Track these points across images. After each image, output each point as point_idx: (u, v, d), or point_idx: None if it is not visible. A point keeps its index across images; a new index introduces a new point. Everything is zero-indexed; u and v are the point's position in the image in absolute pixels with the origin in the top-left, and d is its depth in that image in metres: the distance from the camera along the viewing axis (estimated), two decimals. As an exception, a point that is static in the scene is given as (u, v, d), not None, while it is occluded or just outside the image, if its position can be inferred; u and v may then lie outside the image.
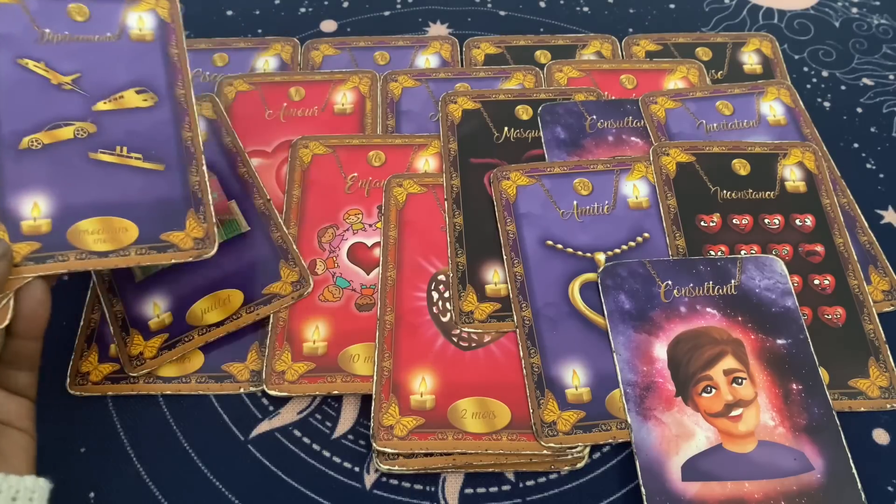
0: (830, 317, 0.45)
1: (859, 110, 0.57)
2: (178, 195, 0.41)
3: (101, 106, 0.42)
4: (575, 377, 0.42)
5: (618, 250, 0.46)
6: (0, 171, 0.40)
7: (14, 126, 0.41)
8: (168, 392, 0.43)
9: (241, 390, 0.43)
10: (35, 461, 0.36)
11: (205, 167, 0.42)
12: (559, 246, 0.46)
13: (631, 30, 0.62)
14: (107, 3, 0.46)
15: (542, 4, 0.64)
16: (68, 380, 0.43)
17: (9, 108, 0.41)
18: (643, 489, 0.38)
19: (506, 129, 0.52)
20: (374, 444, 0.40)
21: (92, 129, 0.42)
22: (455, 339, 0.44)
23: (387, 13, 0.63)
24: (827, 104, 0.57)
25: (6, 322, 0.35)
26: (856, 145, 0.55)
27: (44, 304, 0.37)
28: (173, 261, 0.40)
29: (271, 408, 0.43)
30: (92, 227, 0.39)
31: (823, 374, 0.42)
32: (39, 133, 0.41)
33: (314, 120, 0.54)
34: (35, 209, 0.39)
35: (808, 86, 0.59)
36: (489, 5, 0.64)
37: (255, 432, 0.42)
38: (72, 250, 0.38)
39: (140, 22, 0.45)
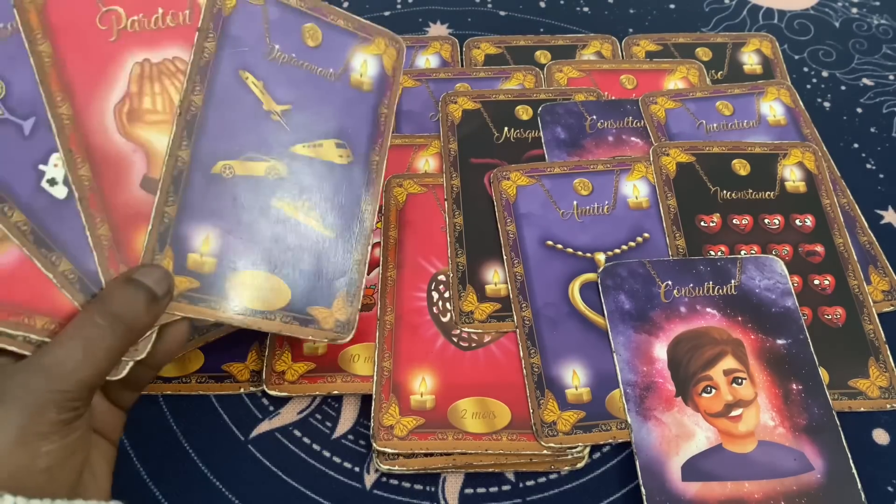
0: (830, 317, 0.45)
1: (859, 110, 0.57)
2: (338, 270, 0.39)
3: (299, 149, 0.39)
4: (575, 377, 0.42)
5: (618, 250, 0.46)
6: (186, 192, 0.36)
7: (214, 145, 0.37)
8: (168, 392, 0.43)
9: (241, 390, 0.43)
10: (113, 470, 0.36)
11: (370, 247, 0.40)
12: (559, 246, 0.46)
13: (631, 30, 0.62)
14: (341, 35, 0.42)
15: (542, 4, 0.64)
16: (68, 380, 0.43)
17: (215, 124, 0.37)
18: (643, 489, 0.38)
19: (506, 129, 0.52)
20: (374, 444, 0.40)
21: (283, 172, 0.38)
22: (455, 339, 0.44)
23: (387, 13, 0.63)
24: (827, 104, 0.57)
25: (143, 355, 0.34)
26: (856, 145, 0.55)
27: (182, 343, 0.35)
28: (311, 338, 0.38)
29: (271, 408, 0.43)
30: (252, 281, 0.37)
31: (823, 374, 0.42)
32: (234, 161, 0.37)
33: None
34: (205, 244, 0.36)
35: (808, 86, 0.59)
36: (489, 5, 0.64)
37: (255, 432, 0.42)
38: (226, 300, 0.36)
39: (363, 66, 0.42)
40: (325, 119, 0.40)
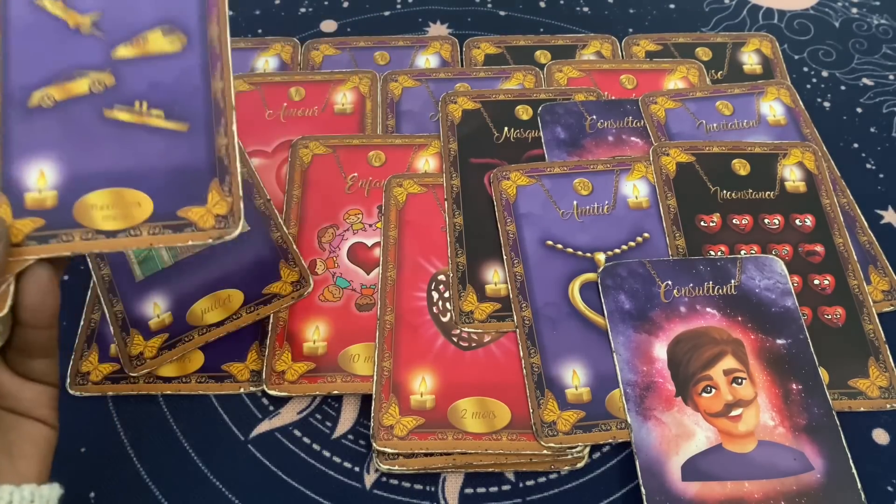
0: (830, 317, 0.45)
1: (859, 110, 0.57)
2: (202, 162, 0.35)
3: (122, 52, 0.36)
4: (575, 377, 0.42)
5: (618, 250, 0.46)
6: (7, 134, 0.35)
7: (24, 79, 0.35)
8: (168, 392, 0.43)
9: (241, 390, 0.43)
10: (51, 453, 0.34)
11: (235, 126, 0.35)
12: (559, 246, 0.46)
13: (631, 30, 0.62)
14: None
15: (542, 4, 0.64)
16: (68, 380, 0.43)
17: (19, 57, 0.35)
18: (643, 489, 0.38)
19: (506, 129, 0.52)
20: (374, 444, 0.40)
21: (110, 81, 0.36)
22: (455, 339, 0.44)
23: (387, 13, 0.63)
24: (827, 104, 0.57)
25: (5, 310, 0.32)
26: (856, 145, 0.55)
27: (50, 291, 0.33)
28: (190, 242, 0.34)
29: (271, 408, 0.43)
30: (101, 200, 0.34)
31: (823, 374, 0.42)
32: (51, 87, 0.35)
33: (314, 120, 0.54)
34: (41, 179, 0.34)
35: (808, 86, 0.59)
36: (489, 5, 0.64)
37: (255, 432, 0.42)
38: (78, 228, 0.34)
39: None
40: (143, 12, 0.37)
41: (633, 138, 0.52)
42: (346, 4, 0.63)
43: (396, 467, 0.40)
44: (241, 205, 0.35)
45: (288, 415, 0.43)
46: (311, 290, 0.45)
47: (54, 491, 0.33)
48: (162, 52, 0.37)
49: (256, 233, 0.46)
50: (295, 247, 0.46)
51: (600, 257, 0.46)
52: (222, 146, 0.35)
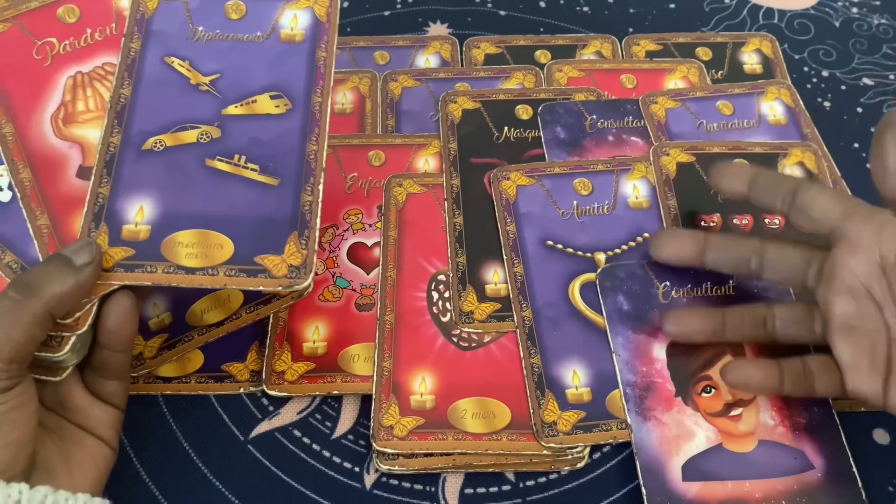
0: (830, 317, 0.45)
1: (859, 110, 0.57)
2: (285, 215, 0.38)
3: (232, 110, 0.40)
4: (575, 377, 0.42)
5: (618, 250, 0.46)
6: (119, 171, 0.38)
7: (144, 126, 0.39)
8: (168, 392, 0.43)
9: (241, 390, 0.43)
10: (107, 473, 0.36)
11: (321, 187, 0.38)
12: (559, 246, 0.46)
13: (631, 30, 0.62)
14: (266, 1, 0.43)
15: (542, 4, 0.64)
16: (68, 380, 0.43)
17: (144, 106, 0.40)
18: (643, 489, 0.38)
19: (506, 128, 0.52)
20: (374, 444, 0.40)
21: (216, 134, 0.39)
22: (455, 339, 0.44)
23: (387, 13, 0.63)
24: (827, 104, 0.57)
25: (84, 328, 0.34)
26: (856, 145, 0.55)
27: (129, 318, 0.35)
28: (262, 288, 0.37)
29: (271, 408, 0.43)
30: (188, 239, 0.37)
31: (823, 374, 0.42)
32: (164, 135, 0.39)
33: (314, 120, 0.54)
34: (139, 214, 0.37)
35: (808, 86, 0.59)
36: (489, 5, 0.64)
37: (255, 432, 0.42)
38: (162, 262, 0.36)
39: (293, 21, 0.42)
40: (256, 78, 0.41)
41: (633, 138, 0.52)
42: (345, 4, 0.63)
43: (396, 467, 0.40)
44: (315, 259, 0.37)
45: (288, 415, 0.43)
46: (310, 290, 0.45)
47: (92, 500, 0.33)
48: (267, 114, 0.40)
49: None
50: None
51: (600, 257, 0.46)
52: (307, 202, 0.38)
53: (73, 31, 0.41)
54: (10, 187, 0.37)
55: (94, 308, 0.35)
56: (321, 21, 0.43)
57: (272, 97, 0.40)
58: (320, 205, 0.38)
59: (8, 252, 0.36)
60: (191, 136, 0.39)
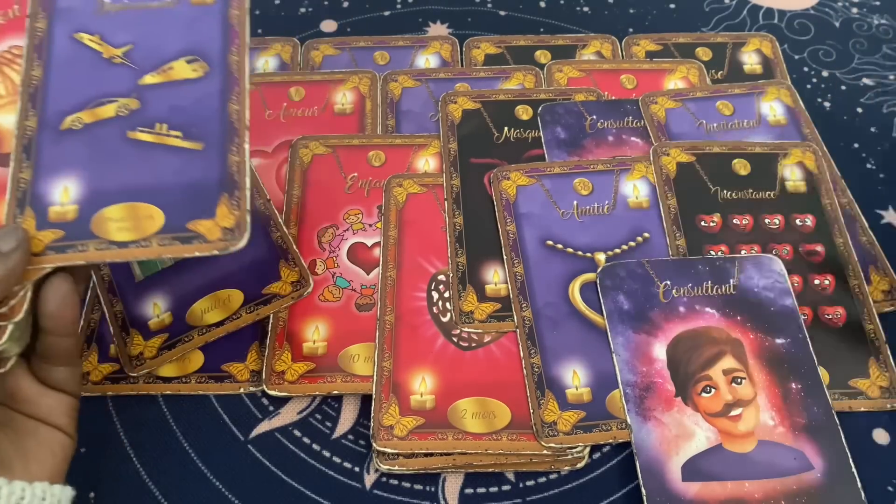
0: (830, 317, 0.45)
1: (859, 110, 0.57)
2: (213, 178, 0.37)
3: (148, 79, 0.39)
4: (575, 377, 0.42)
5: (618, 250, 0.46)
6: (39, 154, 0.37)
7: (59, 105, 0.38)
8: (168, 392, 0.43)
9: (241, 390, 0.43)
10: (68, 461, 0.35)
11: (247, 145, 0.37)
12: (559, 246, 0.46)
13: (631, 30, 0.62)
14: None
15: (542, 4, 0.64)
16: (68, 380, 0.43)
17: (57, 86, 0.39)
18: (643, 489, 0.38)
19: (506, 129, 0.52)
20: (374, 444, 0.40)
21: (135, 106, 0.38)
22: (455, 339, 0.44)
23: (387, 13, 0.63)
24: (827, 104, 0.57)
25: (20, 316, 0.33)
26: (856, 145, 0.55)
27: (69, 300, 0.35)
28: (197, 253, 0.36)
29: (271, 408, 0.43)
30: (117, 214, 0.36)
31: (823, 374, 0.42)
32: (82, 112, 0.38)
33: (314, 120, 0.54)
34: (65, 194, 0.36)
35: (808, 86, 0.59)
36: (489, 5, 0.64)
37: (255, 432, 0.42)
38: (92, 239, 0.35)
39: None
40: (171, 44, 0.40)
41: (633, 138, 0.52)
42: (346, 4, 0.63)
43: (396, 467, 0.40)
44: (248, 218, 0.36)
45: (288, 415, 0.43)
46: (310, 290, 0.45)
47: (66, 492, 0.33)
48: (185, 79, 0.39)
49: (256, 233, 0.46)
50: (295, 247, 0.46)
51: (600, 257, 0.46)
52: (234, 163, 0.37)
53: None
54: None
55: (29, 294, 0.34)
56: None
57: (188, 61, 0.40)
58: (248, 164, 0.37)
59: None
60: (109, 110, 0.38)
